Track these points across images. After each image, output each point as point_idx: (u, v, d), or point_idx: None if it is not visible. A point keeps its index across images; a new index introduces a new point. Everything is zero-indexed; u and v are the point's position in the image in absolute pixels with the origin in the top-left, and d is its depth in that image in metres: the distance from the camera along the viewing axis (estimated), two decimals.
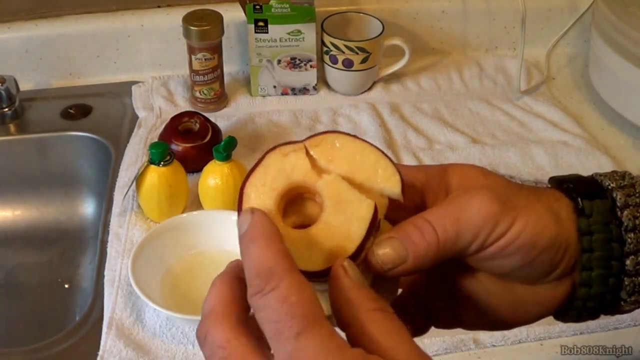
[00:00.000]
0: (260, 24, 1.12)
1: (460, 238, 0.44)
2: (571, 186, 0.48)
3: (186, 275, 0.88)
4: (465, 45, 1.29)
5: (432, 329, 0.52)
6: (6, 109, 1.13)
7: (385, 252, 0.43)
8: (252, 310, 0.40)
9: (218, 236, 0.90)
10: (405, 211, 0.46)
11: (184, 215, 0.93)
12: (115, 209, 0.98)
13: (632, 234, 0.47)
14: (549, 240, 0.46)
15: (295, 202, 0.45)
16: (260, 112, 1.16)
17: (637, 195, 0.48)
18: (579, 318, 0.50)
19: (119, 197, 0.99)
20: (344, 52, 1.15)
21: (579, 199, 0.47)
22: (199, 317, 0.83)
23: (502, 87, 1.23)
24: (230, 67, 1.20)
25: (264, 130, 1.12)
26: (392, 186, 0.44)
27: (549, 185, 0.50)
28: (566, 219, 0.47)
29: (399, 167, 0.45)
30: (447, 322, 0.51)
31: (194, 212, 0.93)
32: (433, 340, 0.81)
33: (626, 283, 0.47)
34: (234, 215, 0.91)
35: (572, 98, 1.22)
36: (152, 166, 0.92)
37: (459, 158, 1.07)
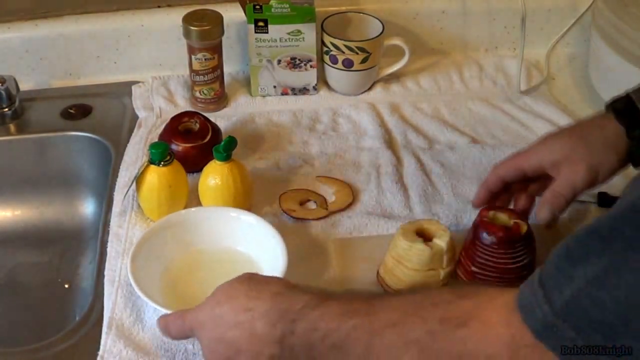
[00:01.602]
0: (260, 24, 1.12)
1: (575, 194, 0.83)
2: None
3: (185, 272, 0.88)
4: (465, 45, 1.29)
5: None
6: (6, 109, 1.13)
7: (543, 213, 0.83)
8: None
9: (216, 233, 0.90)
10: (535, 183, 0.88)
11: (182, 212, 0.92)
12: (115, 209, 0.98)
13: None
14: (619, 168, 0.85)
15: None
16: (260, 112, 1.16)
17: None
18: None
19: (119, 197, 0.99)
20: (344, 52, 1.15)
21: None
22: None
23: (502, 87, 1.23)
24: (230, 67, 1.20)
25: (264, 130, 1.12)
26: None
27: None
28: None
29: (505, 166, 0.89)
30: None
31: (192, 209, 0.93)
32: None
33: None
34: (232, 212, 0.91)
35: (572, 98, 1.22)
36: (152, 166, 0.92)
37: (459, 158, 1.07)
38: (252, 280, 0.71)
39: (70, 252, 1.10)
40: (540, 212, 0.83)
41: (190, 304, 0.79)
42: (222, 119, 1.13)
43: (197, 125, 1.03)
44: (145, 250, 0.86)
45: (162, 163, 0.92)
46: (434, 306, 0.62)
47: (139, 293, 0.80)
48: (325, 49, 1.16)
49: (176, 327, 0.73)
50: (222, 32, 1.11)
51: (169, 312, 0.79)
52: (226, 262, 0.89)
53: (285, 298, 0.67)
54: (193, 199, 0.97)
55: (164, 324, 0.75)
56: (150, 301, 0.80)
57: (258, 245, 0.89)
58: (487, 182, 0.88)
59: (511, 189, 0.89)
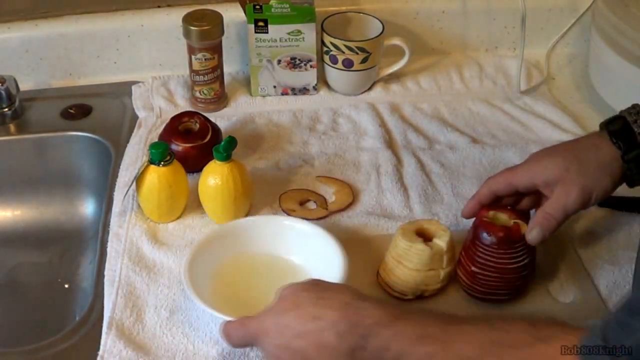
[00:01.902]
0: (260, 24, 1.12)
1: (567, 216, 0.82)
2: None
3: (237, 280, 0.87)
4: (465, 45, 1.29)
5: None
6: (6, 109, 1.13)
7: (533, 235, 0.81)
8: None
9: (270, 241, 0.89)
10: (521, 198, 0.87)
11: (237, 221, 0.92)
12: (115, 209, 0.98)
13: None
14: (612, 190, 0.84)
15: None
16: (260, 112, 1.16)
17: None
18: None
19: (119, 197, 0.99)
20: (344, 52, 1.15)
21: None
22: None
23: (502, 87, 1.23)
24: (230, 67, 1.20)
25: (264, 130, 1.12)
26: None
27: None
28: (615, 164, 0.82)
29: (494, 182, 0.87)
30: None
31: (250, 218, 0.93)
32: None
33: None
34: (286, 220, 0.91)
35: (572, 98, 1.22)
36: (152, 166, 0.92)
37: (459, 158, 1.07)
38: (319, 287, 0.70)
39: (70, 252, 1.10)
40: (531, 233, 0.81)
41: (242, 311, 0.78)
42: (222, 119, 1.13)
43: (197, 125, 1.03)
44: (199, 257, 0.85)
45: (162, 163, 0.92)
46: (511, 348, 0.61)
47: (194, 298, 0.80)
48: (325, 49, 1.16)
49: (238, 335, 0.72)
50: (222, 32, 1.11)
51: (223, 317, 0.78)
52: (279, 270, 0.88)
53: (355, 310, 0.66)
54: (193, 199, 0.97)
55: (226, 331, 0.73)
56: (206, 306, 0.79)
57: (312, 254, 0.88)
58: (478, 195, 0.87)
59: (502, 201, 0.87)
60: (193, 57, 1.11)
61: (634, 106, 0.84)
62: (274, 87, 1.19)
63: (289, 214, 0.96)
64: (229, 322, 0.73)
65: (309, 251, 0.88)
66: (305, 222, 0.91)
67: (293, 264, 0.89)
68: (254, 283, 0.87)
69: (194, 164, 0.99)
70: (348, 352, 0.64)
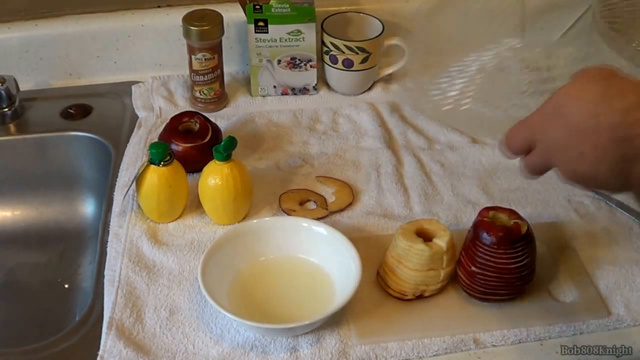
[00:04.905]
0: (260, 24, 1.12)
1: None
2: None
3: (254, 281, 0.87)
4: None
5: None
6: (6, 109, 1.13)
7: None
8: None
9: (287, 243, 0.89)
10: None
11: (253, 221, 0.92)
12: (115, 209, 0.98)
13: None
14: None
15: None
16: (260, 112, 1.16)
17: None
18: None
19: (119, 197, 0.99)
20: (344, 52, 1.15)
21: None
22: (270, 325, 0.83)
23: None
24: (230, 67, 1.20)
25: (264, 130, 1.12)
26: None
27: None
28: None
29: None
30: None
31: (266, 218, 0.93)
32: (433, 340, 0.81)
33: None
34: (305, 222, 0.91)
35: None
36: (152, 166, 0.92)
37: (459, 158, 1.07)
38: (608, 82, 0.64)
39: (70, 252, 1.10)
40: None
41: (258, 312, 0.80)
42: (222, 119, 1.13)
43: (197, 125, 1.03)
44: (216, 258, 0.85)
45: (162, 163, 0.92)
46: None
47: (208, 299, 0.80)
48: (325, 49, 1.16)
49: (519, 136, 0.72)
50: (222, 32, 1.11)
51: (239, 320, 0.78)
52: (296, 271, 0.88)
53: (636, 119, 0.61)
54: (193, 199, 0.97)
55: (508, 137, 0.72)
56: (219, 307, 0.79)
57: (329, 256, 0.88)
58: None
59: None
60: (193, 57, 1.11)
61: None
62: (274, 87, 1.19)
63: (289, 214, 0.96)
64: (510, 129, 0.73)
65: (325, 252, 0.88)
66: (321, 225, 0.90)
67: (312, 263, 0.89)
68: (271, 283, 0.87)
69: (194, 164, 0.99)
70: (618, 160, 0.62)
